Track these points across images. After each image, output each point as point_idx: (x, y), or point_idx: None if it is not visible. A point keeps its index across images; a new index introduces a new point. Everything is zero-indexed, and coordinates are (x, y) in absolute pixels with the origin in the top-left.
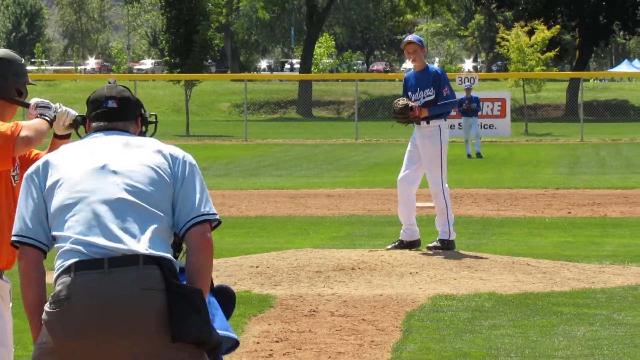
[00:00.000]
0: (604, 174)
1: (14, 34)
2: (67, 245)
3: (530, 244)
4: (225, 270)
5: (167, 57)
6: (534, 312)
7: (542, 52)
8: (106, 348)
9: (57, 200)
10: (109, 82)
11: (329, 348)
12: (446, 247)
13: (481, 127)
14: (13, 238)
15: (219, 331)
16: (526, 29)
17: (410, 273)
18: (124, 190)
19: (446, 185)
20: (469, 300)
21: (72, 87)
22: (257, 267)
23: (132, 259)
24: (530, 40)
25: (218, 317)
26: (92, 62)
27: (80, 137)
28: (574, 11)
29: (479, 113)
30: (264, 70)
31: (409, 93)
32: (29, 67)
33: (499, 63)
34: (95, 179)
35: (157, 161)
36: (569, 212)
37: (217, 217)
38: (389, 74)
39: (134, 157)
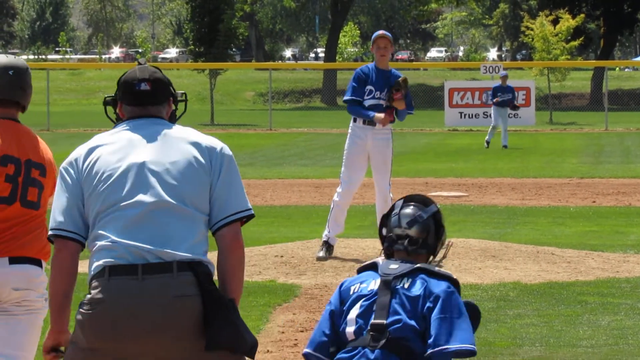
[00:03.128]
0: (629, 163)
1: (38, 23)
2: (103, 245)
3: (554, 233)
4: (250, 260)
5: (192, 46)
6: (559, 301)
7: (566, 41)
8: (138, 351)
9: (97, 198)
10: (140, 63)
11: None
12: None
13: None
14: (50, 232)
15: (460, 345)
16: (551, 17)
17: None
18: (163, 191)
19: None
20: (494, 290)
21: (96, 76)
22: (281, 256)
23: (166, 266)
24: (554, 29)
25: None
26: (116, 51)
27: (111, 120)
28: (598, 0)
29: (515, 102)
30: (288, 59)
31: (370, 88)
32: (54, 56)
33: (524, 52)
34: (133, 179)
35: (195, 155)
36: (594, 202)
37: (251, 211)
38: (414, 62)
39: (172, 153)
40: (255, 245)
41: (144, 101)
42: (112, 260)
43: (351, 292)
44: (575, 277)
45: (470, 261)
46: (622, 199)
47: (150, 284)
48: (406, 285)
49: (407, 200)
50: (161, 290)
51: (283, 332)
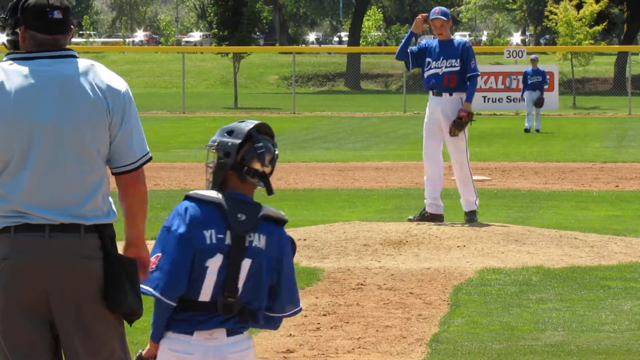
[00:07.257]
0: None
1: None
2: (8, 210)
3: (577, 218)
4: None
5: (216, 30)
6: (582, 286)
7: (590, 26)
8: (41, 308)
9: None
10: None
11: (376, 321)
12: (474, 219)
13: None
14: None
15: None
16: (574, 2)
17: (458, 246)
18: (69, 150)
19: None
20: (517, 274)
21: (120, 59)
22: (304, 240)
23: (74, 227)
24: (578, 13)
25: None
26: (140, 35)
27: (5, 46)
28: None
29: (545, 87)
30: (312, 43)
31: (428, 60)
32: (77, 39)
33: (547, 36)
34: (37, 137)
35: (96, 99)
36: (617, 186)
37: (148, 156)
38: None
39: (72, 103)
40: None
41: (55, 30)
42: (18, 220)
43: (206, 239)
44: (598, 261)
45: (493, 245)
46: None
47: (57, 242)
48: (261, 243)
49: (262, 131)
50: (69, 249)
51: (306, 316)
